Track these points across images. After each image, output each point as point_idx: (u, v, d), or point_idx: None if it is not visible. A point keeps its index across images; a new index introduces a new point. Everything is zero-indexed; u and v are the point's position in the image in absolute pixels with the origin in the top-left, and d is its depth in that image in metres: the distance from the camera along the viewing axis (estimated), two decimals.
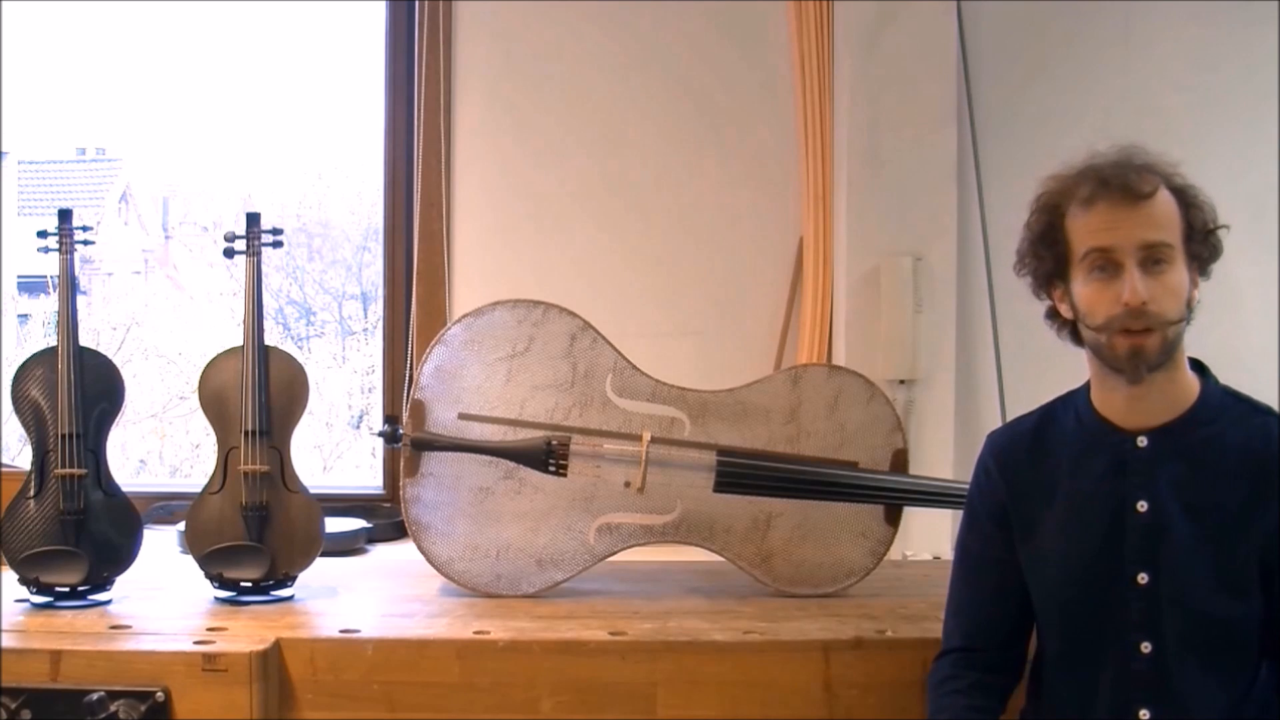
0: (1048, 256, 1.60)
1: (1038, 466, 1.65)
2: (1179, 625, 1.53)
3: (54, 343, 2.17)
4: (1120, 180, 1.52)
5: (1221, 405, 1.58)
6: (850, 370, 2.31)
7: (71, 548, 2.09)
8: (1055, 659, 1.65)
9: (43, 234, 2.22)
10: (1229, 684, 1.54)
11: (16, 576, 2.10)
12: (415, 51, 3.05)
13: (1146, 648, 1.54)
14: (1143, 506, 1.55)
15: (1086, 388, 1.65)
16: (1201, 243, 1.54)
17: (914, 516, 2.49)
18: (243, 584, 2.13)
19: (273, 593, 2.15)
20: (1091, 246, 1.53)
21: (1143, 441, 1.57)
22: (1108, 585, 1.57)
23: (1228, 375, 1.64)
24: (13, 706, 1.78)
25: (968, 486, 1.80)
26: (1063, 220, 1.57)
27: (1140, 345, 1.51)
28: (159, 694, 1.79)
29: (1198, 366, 1.61)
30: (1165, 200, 1.53)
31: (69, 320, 2.17)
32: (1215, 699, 1.53)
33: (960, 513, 1.84)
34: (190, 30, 5.16)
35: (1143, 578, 1.55)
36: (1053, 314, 1.63)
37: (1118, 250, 1.51)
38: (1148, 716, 1.54)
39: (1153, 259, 1.51)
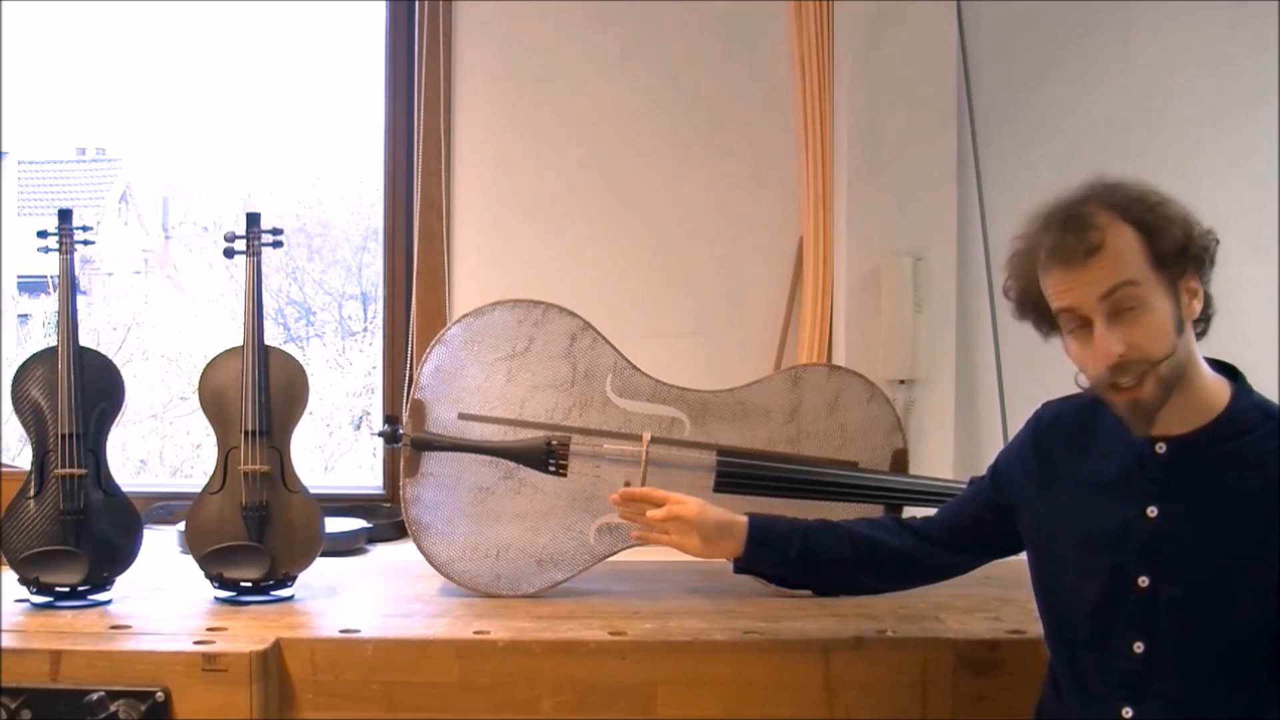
0: (1033, 313, 1.60)
1: (1073, 452, 1.65)
2: (1179, 630, 1.52)
3: (54, 343, 2.17)
4: (1066, 242, 1.49)
5: (1251, 420, 1.53)
6: (850, 370, 2.31)
7: (71, 548, 2.09)
8: (1055, 648, 1.66)
9: (43, 234, 2.22)
10: (1241, 698, 1.53)
11: (16, 576, 2.10)
12: (415, 51, 3.05)
13: (1139, 648, 1.54)
14: (1152, 512, 1.54)
15: None
16: (1179, 259, 1.49)
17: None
18: (243, 584, 2.13)
19: (273, 593, 2.15)
20: (1060, 308, 1.52)
21: (1161, 448, 1.55)
22: (1109, 583, 1.56)
23: None
24: (13, 706, 1.78)
25: (967, 486, 1.84)
26: (1035, 281, 1.56)
27: (1135, 399, 1.50)
28: (159, 694, 1.79)
29: (1230, 372, 1.58)
30: (1118, 242, 1.48)
31: (69, 320, 2.17)
32: (1227, 708, 1.52)
33: None
34: (190, 30, 5.17)
35: (1143, 580, 1.54)
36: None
37: (1082, 308, 1.49)
38: (1130, 715, 1.54)
39: (1122, 306, 1.47)
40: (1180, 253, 1.49)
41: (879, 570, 1.86)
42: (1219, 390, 1.55)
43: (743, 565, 1.87)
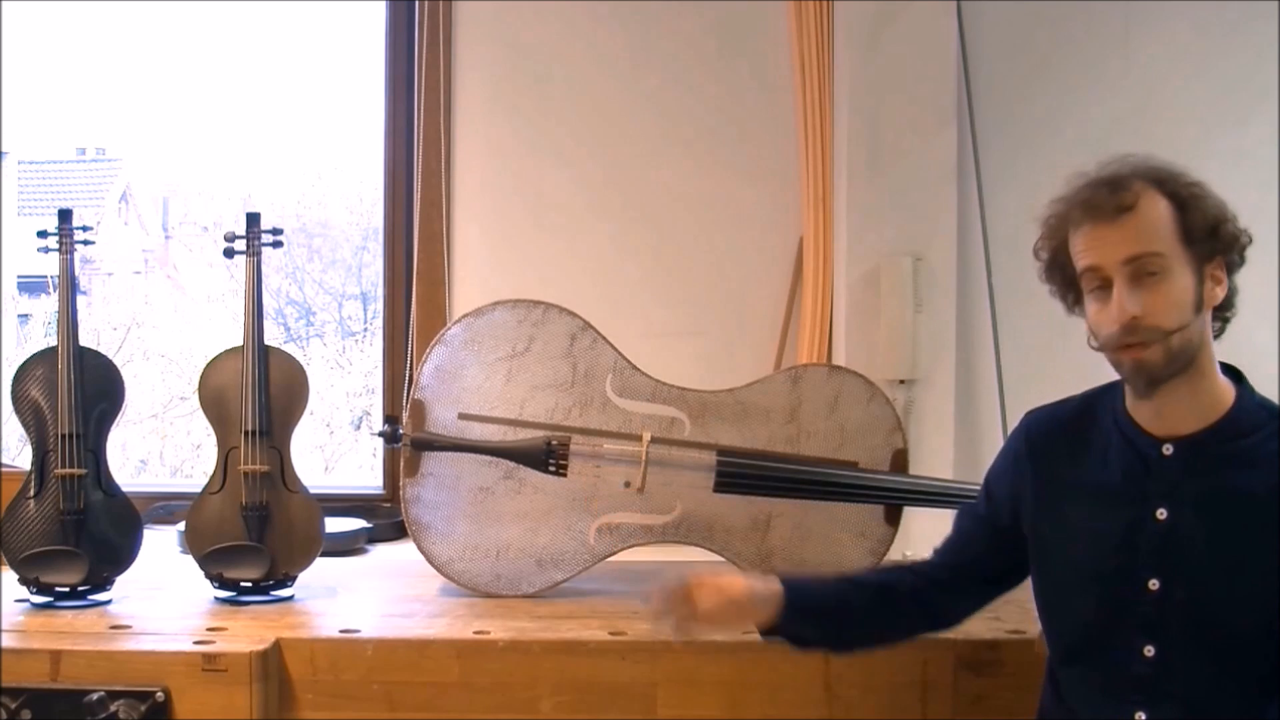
0: (1060, 280, 1.61)
1: (1071, 457, 1.64)
2: (1190, 633, 1.52)
3: (54, 343, 2.17)
4: (1099, 198, 1.52)
5: (1256, 419, 1.54)
6: (850, 370, 2.31)
7: (71, 548, 2.09)
8: (1060, 654, 1.65)
9: (43, 234, 2.22)
10: (1250, 699, 1.53)
11: (16, 576, 2.10)
12: (415, 51, 3.05)
13: (1149, 651, 1.54)
14: (1162, 514, 1.54)
15: (1124, 385, 1.63)
16: (1209, 240, 1.52)
17: (914, 516, 2.49)
18: (243, 584, 2.13)
19: (273, 593, 2.15)
20: (1084, 267, 1.54)
21: (1168, 450, 1.55)
22: (1118, 587, 1.56)
23: None
24: (13, 706, 1.78)
25: (969, 486, 1.80)
26: (1066, 244, 1.58)
27: (1140, 359, 1.50)
28: (159, 694, 1.79)
29: (1234, 374, 1.58)
30: (1151, 209, 1.50)
31: (69, 320, 2.17)
32: (1237, 711, 1.52)
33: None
34: (190, 30, 5.17)
35: (1154, 584, 1.53)
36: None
37: (1105, 268, 1.51)
38: (1144, 718, 1.54)
39: (1144, 271, 1.49)
40: (1210, 233, 1.52)
41: (899, 622, 1.75)
42: (1225, 390, 1.56)
43: (776, 631, 1.70)
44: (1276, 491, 1.49)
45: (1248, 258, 1.58)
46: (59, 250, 2.21)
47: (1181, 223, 1.50)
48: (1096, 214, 1.51)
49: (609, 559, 2.22)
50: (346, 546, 2.68)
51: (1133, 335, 1.49)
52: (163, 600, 2.16)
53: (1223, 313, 1.57)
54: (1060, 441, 1.65)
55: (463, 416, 2.19)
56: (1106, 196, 1.51)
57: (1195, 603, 1.52)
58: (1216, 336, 1.57)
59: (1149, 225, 1.50)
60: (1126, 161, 1.54)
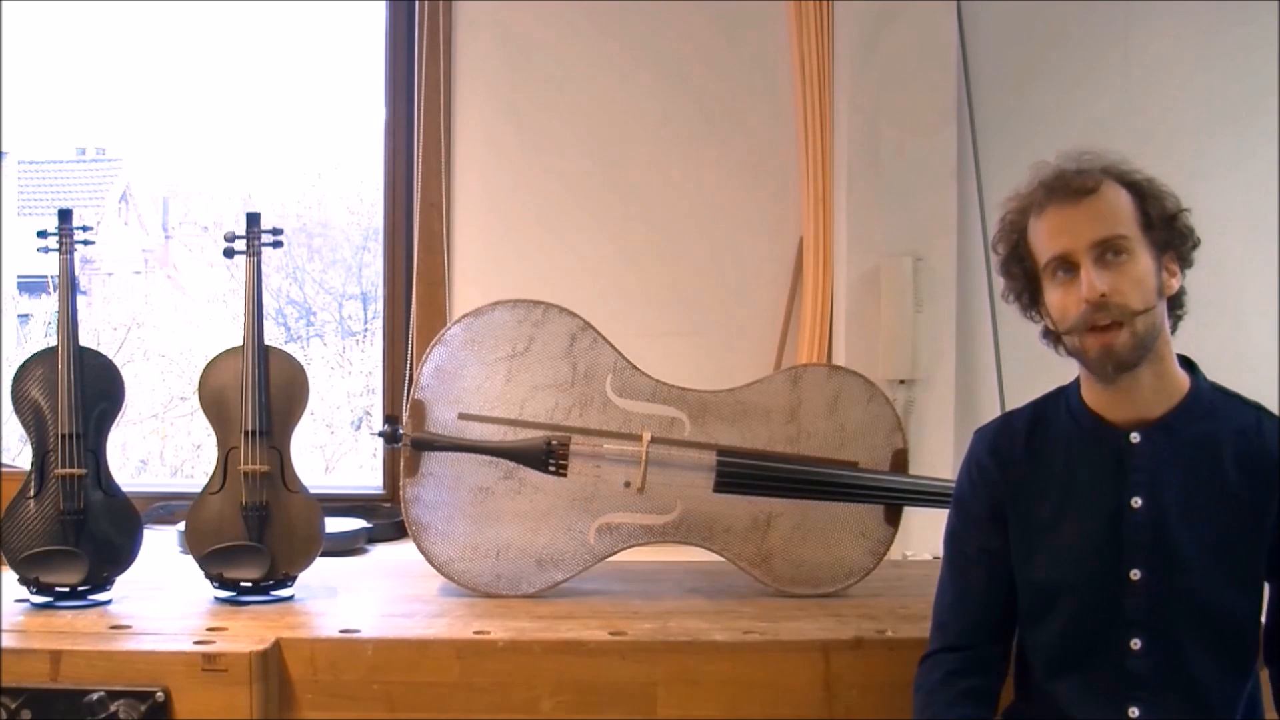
0: (1019, 274, 1.63)
1: (1034, 462, 1.64)
2: (1180, 621, 1.52)
3: (54, 343, 2.17)
4: (1062, 183, 1.56)
5: (1212, 401, 1.59)
6: (850, 370, 2.31)
7: (71, 548, 2.09)
8: (1044, 654, 1.63)
9: (43, 234, 2.22)
10: (1241, 679, 1.54)
11: (16, 576, 2.10)
12: (415, 51, 3.05)
13: (1136, 644, 1.54)
14: (1137, 503, 1.55)
15: (1077, 383, 1.65)
16: (1165, 229, 1.55)
17: (914, 516, 2.49)
18: (243, 584, 2.13)
19: (273, 593, 2.15)
20: (1050, 255, 1.56)
21: (1136, 437, 1.57)
22: (1101, 582, 1.56)
23: (1228, 375, 1.64)
24: (13, 706, 1.78)
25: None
26: (1025, 237, 1.61)
27: (1109, 344, 1.52)
28: (159, 694, 1.79)
29: (1186, 363, 1.62)
30: (1113, 194, 1.55)
31: (69, 320, 2.17)
32: (1226, 692, 1.53)
33: None
34: (190, 30, 5.17)
35: (1135, 574, 1.54)
36: (1045, 331, 1.63)
37: (1073, 252, 1.54)
38: (1137, 714, 1.54)
39: (1110, 251, 1.52)
40: (1168, 223, 1.55)
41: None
42: (1182, 376, 1.59)
43: None
44: (1246, 467, 1.53)
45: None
46: (59, 250, 2.21)
47: (1141, 209, 1.55)
48: (1061, 195, 1.55)
49: (609, 559, 2.21)
50: (346, 546, 2.68)
51: (1102, 314, 1.51)
52: (163, 600, 2.15)
53: (1175, 311, 1.59)
54: (1021, 449, 1.66)
55: (463, 416, 2.19)
56: (1071, 178, 1.56)
57: (1180, 589, 1.53)
58: (1170, 331, 1.59)
59: (1111, 209, 1.54)
60: (1084, 157, 1.59)
